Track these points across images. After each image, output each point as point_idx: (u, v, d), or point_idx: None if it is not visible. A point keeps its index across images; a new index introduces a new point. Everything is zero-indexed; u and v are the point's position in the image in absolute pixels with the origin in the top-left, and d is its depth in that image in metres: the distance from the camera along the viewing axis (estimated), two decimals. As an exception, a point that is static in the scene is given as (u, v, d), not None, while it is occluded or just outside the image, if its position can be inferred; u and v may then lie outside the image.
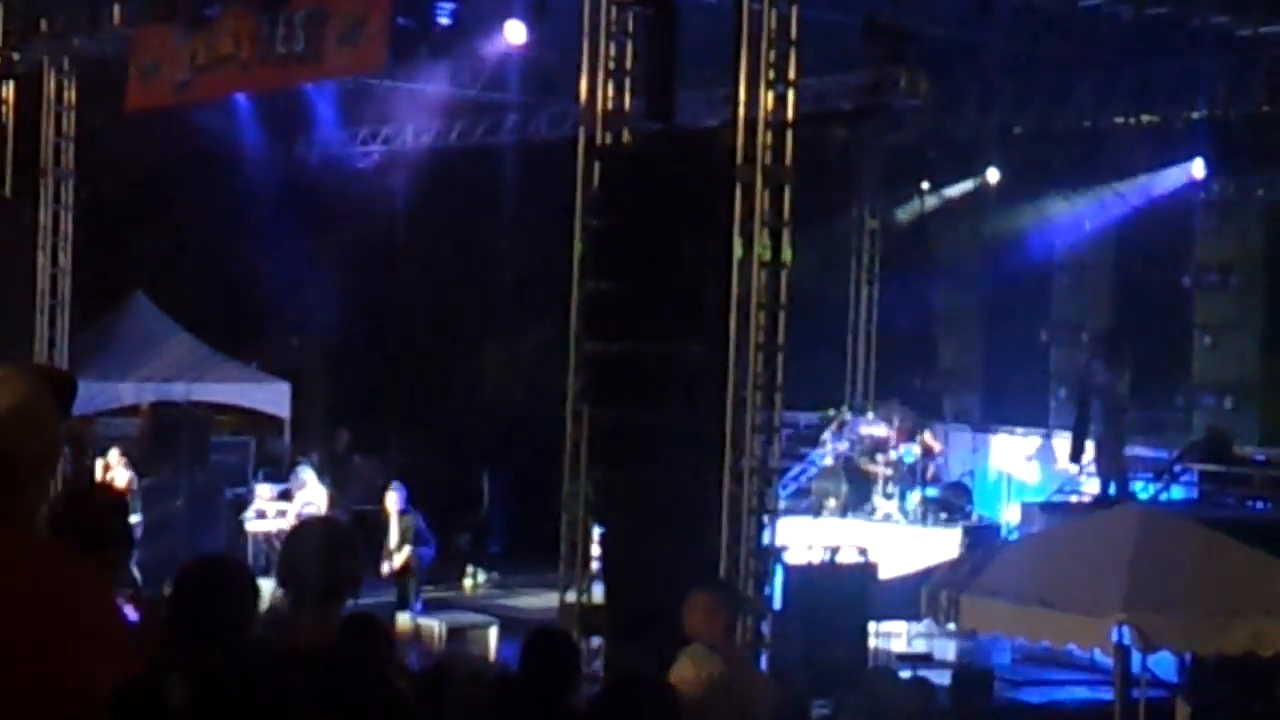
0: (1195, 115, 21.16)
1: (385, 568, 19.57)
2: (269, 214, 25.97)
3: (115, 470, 20.28)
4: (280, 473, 23.27)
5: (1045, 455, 23.10)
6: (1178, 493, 21.08)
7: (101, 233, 22.42)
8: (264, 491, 21.86)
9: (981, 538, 20.00)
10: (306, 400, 25.57)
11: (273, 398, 25.16)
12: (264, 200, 25.91)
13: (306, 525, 6.08)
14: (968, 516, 21.54)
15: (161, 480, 20.84)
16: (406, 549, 19.66)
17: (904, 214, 26.49)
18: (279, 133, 25.69)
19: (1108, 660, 13.24)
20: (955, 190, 25.57)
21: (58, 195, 21.76)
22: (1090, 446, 20.70)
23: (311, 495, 20.88)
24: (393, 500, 19.91)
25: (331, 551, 5.13)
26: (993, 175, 24.63)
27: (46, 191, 21.69)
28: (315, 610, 5.01)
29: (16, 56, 21.47)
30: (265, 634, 5.32)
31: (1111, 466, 20.26)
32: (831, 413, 24.93)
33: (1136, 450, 21.47)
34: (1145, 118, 21.69)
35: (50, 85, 21.59)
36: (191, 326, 25.36)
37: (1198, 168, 23.03)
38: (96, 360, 22.74)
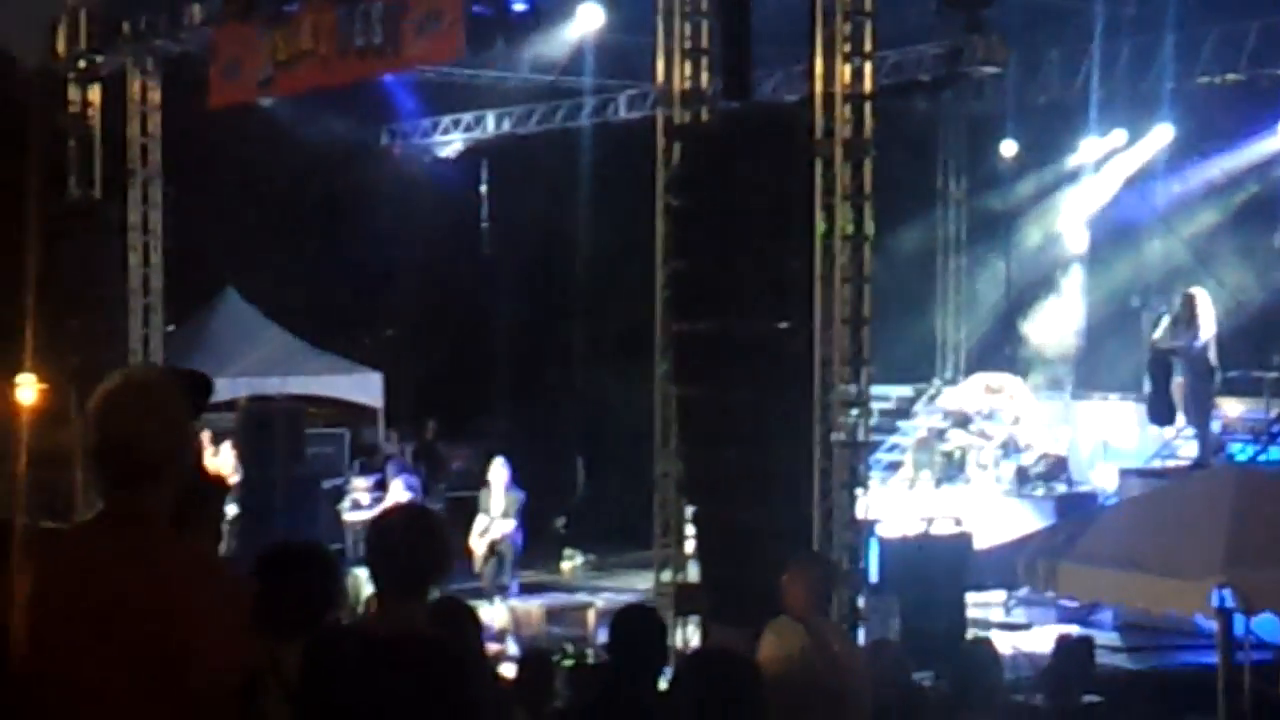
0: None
1: (480, 545, 19.47)
2: (355, 205, 26.16)
3: (223, 460, 20.53)
4: (375, 463, 23.42)
5: (1140, 421, 22.88)
6: (1276, 453, 20.83)
7: (190, 230, 22.61)
8: (359, 483, 22.02)
9: (1077, 505, 19.85)
10: (399, 390, 25.75)
11: (365, 388, 25.35)
12: (349, 192, 26.10)
13: (388, 514, 6.08)
14: (1063, 484, 21.40)
15: (258, 473, 21.01)
16: (508, 523, 19.57)
17: (989, 183, 26.28)
18: (362, 125, 25.85)
19: (1210, 624, 13.11)
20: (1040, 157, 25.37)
21: (145, 195, 21.96)
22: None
23: (400, 488, 21.00)
24: (498, 473, 19.84)
25: (415, 538, 5.15)
26: (1077, 140, 24.42)
27: (135, 191, 21.90)
28: (399, 597, 5.04)
29: (100, 60, 21.68)
30: (349, 621, 5.36)
31: (1201, 429, 20.08)
32: (922, 385, 24.85)
33: (1234, 411, 21.25)
34: (1230, 77, 21.44)
35: (135, 86, 21.80)
36: (282, 320, 25.57)
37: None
38: (190, 357, 22.93)
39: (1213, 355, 19.94)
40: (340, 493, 22.03)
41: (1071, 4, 19.66)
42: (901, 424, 24.48)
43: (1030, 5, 19.18)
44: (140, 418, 4.06)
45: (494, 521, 19.63)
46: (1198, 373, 19.98)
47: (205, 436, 20.58)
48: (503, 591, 19.23)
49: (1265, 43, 20.50)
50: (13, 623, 4.04)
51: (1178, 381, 20.29)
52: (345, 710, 4.88)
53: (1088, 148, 24.53)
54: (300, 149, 24.40)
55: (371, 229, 26.17)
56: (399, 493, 20.71)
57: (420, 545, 5.17)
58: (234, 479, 20.05)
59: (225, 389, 23.46)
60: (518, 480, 20.05)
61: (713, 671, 4.92)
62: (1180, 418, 20.68)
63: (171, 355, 21.88)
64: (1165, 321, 20.76)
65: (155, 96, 21.88)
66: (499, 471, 19.91)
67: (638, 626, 7.41)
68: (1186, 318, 20.11)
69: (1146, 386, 21.57)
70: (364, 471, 23.04)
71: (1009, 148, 25.19)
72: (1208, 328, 19.96)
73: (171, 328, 22.64)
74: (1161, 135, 23.55)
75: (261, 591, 5.13)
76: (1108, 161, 24.68)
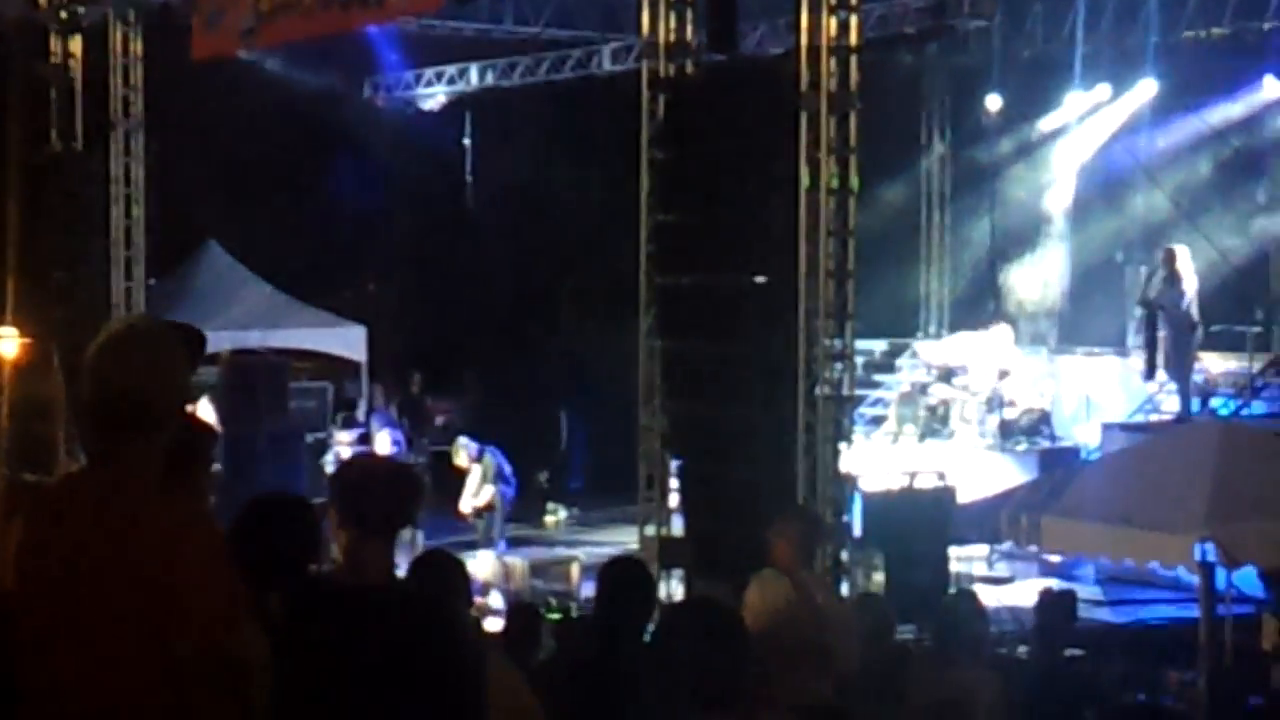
0: (1266, 27, 20.87)
1: (468, 506, 19.68)
2: (338, 158, 26.07)
3: (202, 415, 20.49)
4: (358, 417, 23.41)
5: (1123, 376, 22.92)
6: (1259, 408, 20.89)
7: (172, 183, 22.51)
8: (342, 436, 22.02)
9: (1061, 460, 19.89)
10: (382, 344, 25.71)
11: (349, 342, 25.30)
12: (332, 145, 26.01)
13: (350, 462, 6.11)
14: (1047, 439, 21.43)
15: (240, 428, 20.97)
16: (488, 489, 19.73)
17: (973, 137, 26.24)
18: (345, 77, 25.75)
19: (1192, 577, 13.16)
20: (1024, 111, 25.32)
21: (128, 147, 21.84)
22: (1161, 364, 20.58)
23: (382, 441, 21.02)
24: (463, 456, 19.95)
25: (378, 484, 5.15)
26: (1060, 95, 24.38)
27: (116, 144, 21.78)
28: (368, 537, 5.03)
29: (82, 10, 21.53)
30: (324, 570, 5.35)
31: (1183, 383, 20.16)
32: (905, 339, 24.85)
33: (1216, 366, 21.30)
34: (1215, 31, 21.40)
35: (116, 37, 21.66)
36: (265, 274, 25.50)
37: (1271, 85, 22.73)
38: (172, 310, 22.82)
39: (1194, 311, 19.99)
40: (323, 446, 22.01)
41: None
42: (885, 378, 24.49)
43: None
44: (143, 367, 4.05)
45: (476, 491, 19.74)
46: (1179, 327, 20.05)
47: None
48: (488, 545, 19.29)
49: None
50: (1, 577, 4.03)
51: (1161, 336, 20.35)
52: (329, 664, 4.88)
53: (1072, 102, 24.48)
54: (283, 101, 24.30)
55: (355, 182, 26.09)
56: (384, 445, 20.73)
57: (391, 486, 5.17)
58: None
59: (208, 343, 23.42)
60: (493, 439, 20.09)
61: (696, 621, 4.90)
62: (1161, 373, 20.74)
63: (153, 308, 21.80)
64: (1150, 276, 20.82)
65: (137, 48, 21.74)
66: (462, 455, 19.94)
67: (626, 578, 7.41)
68: (1168, 274, 20.17)
69: (1137, 339, 21.64)
70: (347, 425, 23.03)
71: (994, 102, 25.13)
72: (1190, 283, 20.02)
73: (153, 281, 22.55)
74: (1145, 90, 23.50)
75: (244, 543, 5.14)
76: (1092, 116, 24.64)
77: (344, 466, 6.11)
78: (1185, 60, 22.61)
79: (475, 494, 19.76)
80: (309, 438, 22.01)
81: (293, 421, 21.83)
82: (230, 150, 24.79)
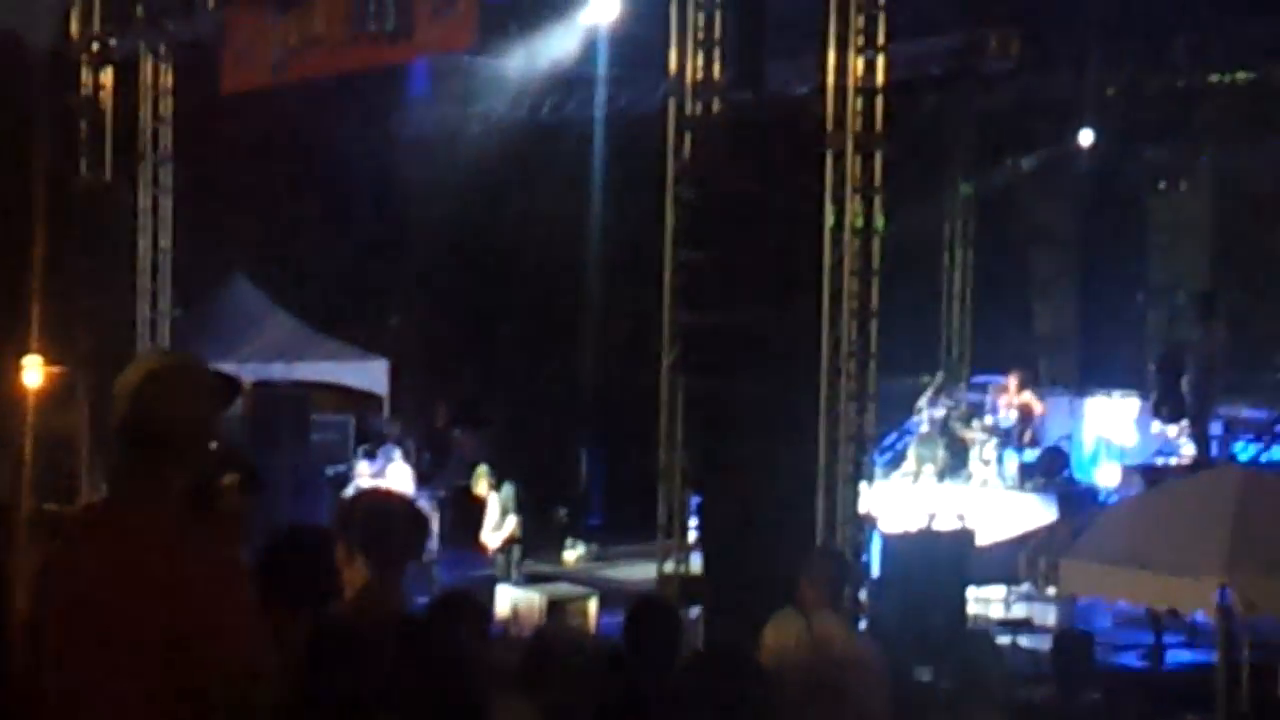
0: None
1: (491, 539, 19.74)
2: (364, 192, 26.18)
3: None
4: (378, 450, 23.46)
5: (1143, 418, 22.89)
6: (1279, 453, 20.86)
7: (200, 215, 22.63)
8: (364, 469, 22.05)
9: (1080, 502, 19.88)
10: (405, 378, 25.77)
11: (371, 376, 25.38)
12: (359, 178, 26.12)
13: (360, 496, 6.16)
14: (1066, 481, 21.42)
15: (263, 460, 21.01)
16: (511, 519, 19.79)
17: (998, 179, 26.31)
18: (373, 111, 25.85)
19: (1210, 623, 13.14)
20: (1049, 153, 25.37)
21: (156, 179, 21.98)
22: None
23: (397, 477, 21.07)
24: (483, 485, 20.02)
25: (389, 519, 5.20)
26: (1086, 137, 24.43)
27: (145, 175, 21.92)
28: (378, 576, 5.09)
29: (114, 43, 21.70)
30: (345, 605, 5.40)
31: (1203, 427, 20.13)
32: (927, 379, 24.85)
33: (1237, 411, 21.27)
34: (1241, 75, 21.42)
35: (147, 70, 21.82)
36: (290, 306, 25.59)
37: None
38: (197, 342, 22.96)
39: (1220, 355, 19.97)
40: (344, 479, 22.05)
41: (1085, 1, 19.64)
42: (905, 418, 24.48)
43: (1044, 1, 19.17)
44: (173, 397, 4.10)
45: (497, 524, 19.80)
46: (1205, 371, 20.01)
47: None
48: (506, 581, 19.31)
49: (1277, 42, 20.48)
50: (15, 607, 4.06)
51: (1184, 378, 20.33)
52: (345, 697, 4.92)
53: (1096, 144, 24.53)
54: (310, 135, 24.42)
55: (381, 216, 26.20)
56: (400, 476, 20.81)
57: (401, 520, 5.23)
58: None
59: (231, 374, 23.51)
60: (511, 473, 20.14)
61: (718, 670, 4.93)
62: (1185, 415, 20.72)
63: (179, 339, 21.91)
64: (1174, 318, 20.82)
65: (167, 80, 21.90)
66: (482, 484, 20.03)
67: (654, 619, 7.42)
68: (1199, 315, 20.12)
69: (1155, 383, 21.62)
70: (368, 458, 23.08)
71: (1018, 141, 25.17)
72: (1219, 326, 19.98)
73: (179, 312, 22.66)
74: (1173, 136, 23.53)
75: (270, 576, 5.18)
76: (1117, 158, 24.67)
77: (354, 500, 6.15)
78: (1209, 105, 22.63)
79: (497, 526, 19.80)
80: (330, 470, 22.07)
81: (314, 454, 21.89)
82: (258, 183, 24.91)
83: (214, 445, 4.48)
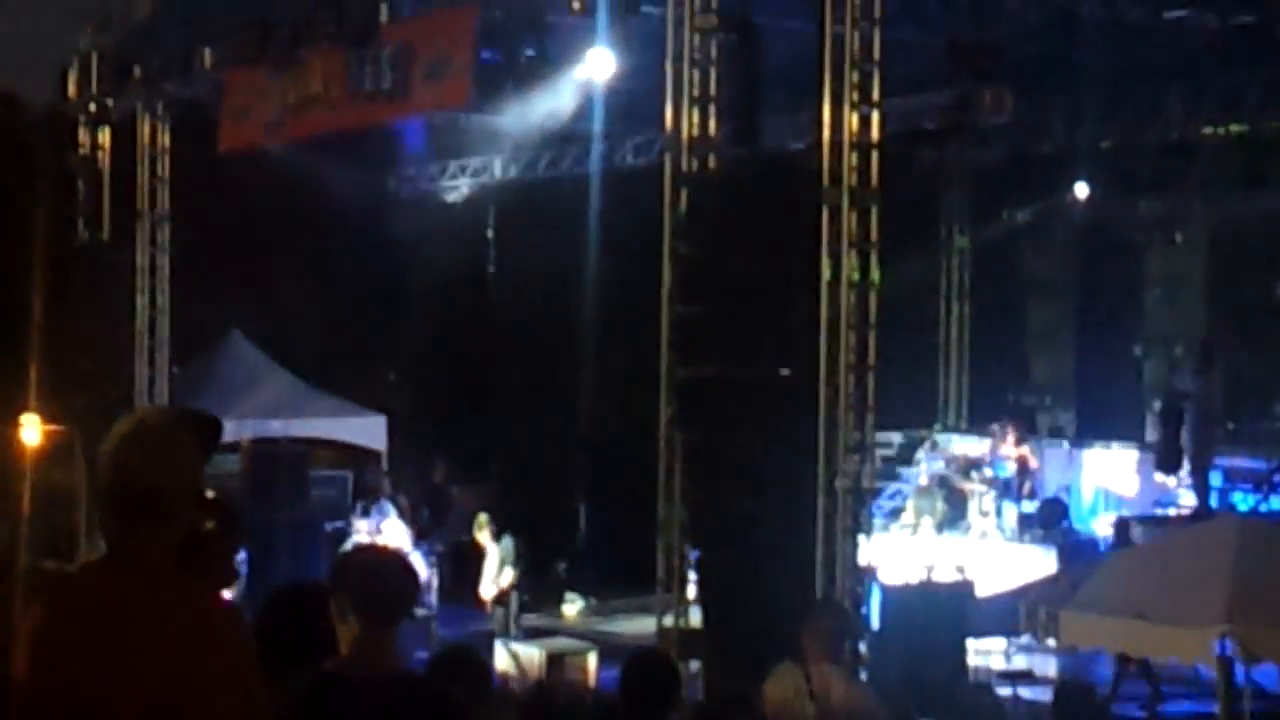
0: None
1: (489, 590, 19.74)
2: (362, 249, 26.23)
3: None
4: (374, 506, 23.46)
5: (1142, 469, 22.92)
6: (1278, 503, 20.85)
7: (198, 273, 22.70)
8: (362, 525, 22.04)
9: (1079, 553, 19.88)
10: (404, 433, 25.78)
11: (369, 431, 25.38)
12: (356, 236, 26.17)
13: (354, 552, 6.20)
14: (1065, 532, 21.42)
15: (262, 516, 21.03)
16: (510, 571, 19.81)
17: (994, 232, 26.42)
18: (369, 169, 25.94)
19: (1210, 673, 13.14)
20: (1044, 206, 25.47)
21: (154, 237, 22.08)
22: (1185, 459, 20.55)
23: (392, 532, 21.08)
24: (485, 533, 20.07)
25: (384, 574, 5.23)
26: (1081, 190, 24.53)
27: (143, 234, 22.00)
28: (373, 632, 5.11)
29: (111, 103, 21.82)
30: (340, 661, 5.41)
31: (1203, 477, 20.13)
32: (925, 432, 24.88)
33: (1236, 461, 21.28)
34: (1234, 128, 21.53)
35: (145, 129, 21.92)
36: (288, 363, 25.62)
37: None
38: (195, 399, 22.95)
39: (1219, 405, 19.97)
40: (343, 535, 22.04)
41: (1078, 56, 19.74)
42: (903, 470, 24.50)
43: (1037, 56, 19.26)
44: (155, 459, 4.09)
45: (495, 576, 19.81)
46: (1205, 421, 20.00)
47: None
48: (505, 636, 19.29)
49: (1271, 93, 20.58)
50: (14, 668, 4.05)
51: (1186, 429, 20.33)
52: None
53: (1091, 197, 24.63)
54: (307, 193, 24.47)
55: (377, 273, 26.25)
56: (395, 532, 20.83)
57: (395, 576, 5.25)
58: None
59: (230, 431, 23.33)
60: (511, 527, 20.16)
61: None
62: (1185, 465, 20.73)
63: (177, 397, 21.95)
64: (1175, 367, 20.85)
65: (165, 139, 22.00)
66: (484, 534, 20.07)
67: (650, 672, 7.43)
68: (1200, 365, 20.13)
69: (1153, 433, 21.62)
70: (366, 514, 23.07)
71: (1014, 196, 25.28)
72: (1219, 376, 19.98)
73: (177, 369, 22.68)
74: (1164, 187, 23.61)
75: (270, 633, 5.19)
76: (1108, 210, 24.76)
77: (348, 556, 6.17)
78: (1203, 157, 22.75)
79: (495, 578, 19.80)
80: (328, 526, 22.06)
81: (313, 510, 21.89)
82: (255, 241, 24.97)
83: (208, 493, 4.48)
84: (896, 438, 24.80)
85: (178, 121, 21.92)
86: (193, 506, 4.20)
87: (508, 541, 19.88)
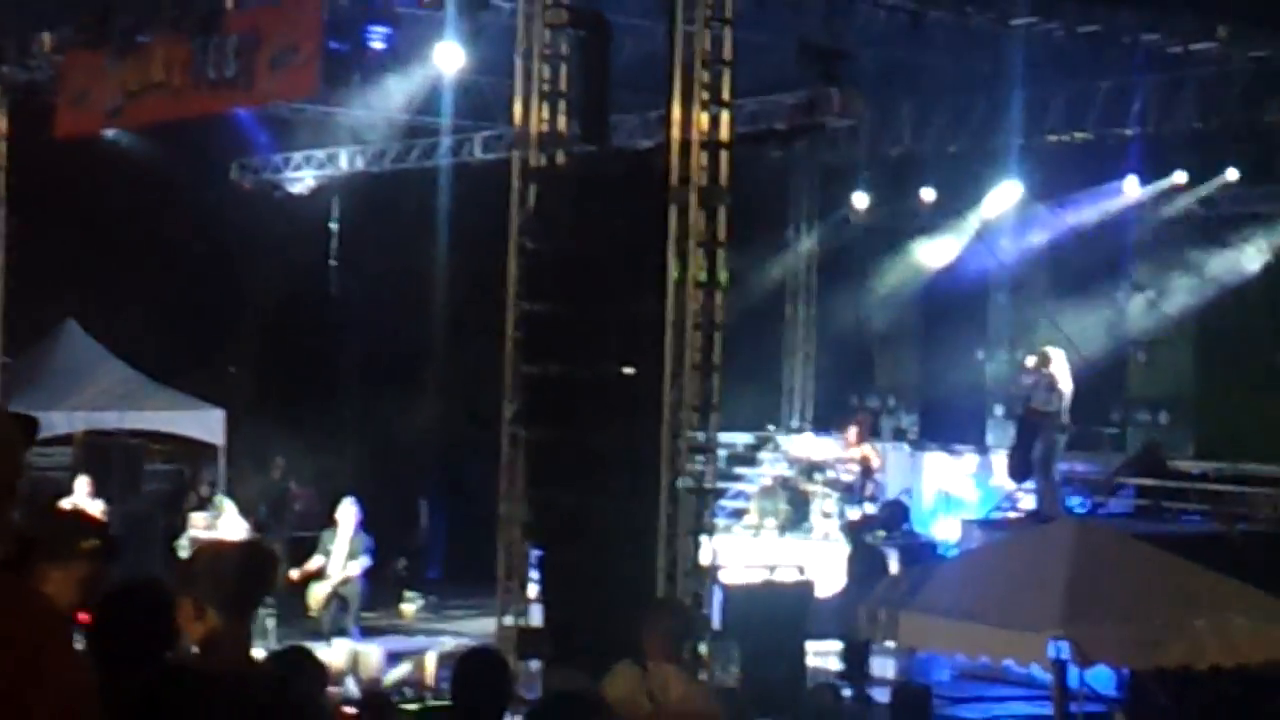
0: (1128, 133, 21.30)
1: (323, 588, 19.45)
2: (202, 240, 25.82)
3: (80, 501, 20.03)
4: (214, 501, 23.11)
5: (983, 473, 23.17)
6: (1114, 507, 21.16)
7: (32, 261, 22.20)
8: (198, 520, 21.69)
9: (919, 554, 20.02)
10: (243, 428, 25.41)
11: (207, 425, 24.94)
12: (197, 226, 25.75)
13: (204, 547, 6.09)
14: (906, 534, 21.56)
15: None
16: (354, 563, 19.53)
17: (842, 234, 26.57)
18: (212, 158, 25.55)
19: (1045, 675, 13.26)
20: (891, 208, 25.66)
21: (-13, 224, 21.59)
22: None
23: (230, 525, 20.76)
24: (346, 514, 19.72)
25: (235, 565, 5.12)
26: (928, 194, 24.73)
27: (-25, 220, 21.51)
28: (224, 625, 4.99)
29: (-55, 86, 21.30)
30: (183, 656, 5.27)
31: (1046, 482, 20.31)
32: (769, 431, 24.95)
33: (1073, 466, 21.54)
34: (1079, 135, 21.80)
35: (-20, 113, 21.43)
36: (125, 355, 25.14)
37: (1131, 185, 23.21)
38: (27, 389, 22.51)
39: (1066, 414, 20.09)
40: (177, 530, 21.69)
41: (926, 59, 19.90)
42: (746, 471, 24.57)
43: (885, 59, 19.38)
44: None
45: (342, 563, 19.52)
46: (1053, 429, 20.14)
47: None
48: (342, 634, 19.03)
49: (1112, 102, 20.89)
50: None
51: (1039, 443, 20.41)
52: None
53: (938, 201, 24.83)
54: (148, 181, 24.03)
55: (217, 264, 25.85)
56: (233, 527, 20.55)
57: (247, 565, 5.14)
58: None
59: (63, 423, 23.04)
60: (365, 523, 19.91)
61: (566, 716, 4.88)
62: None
63: (9, 387, 21.46)
64: (1018, 376, 21.01)
65: (2, 124, 21.50)
66: (348, 512, 19.74)
67: (482, 670, 7.34)
68: (1041, 376, 20.24)
69: (993, 437, 21.81)
70: (202, 508, 22.71)
71: (860, 199, 25.46)
72: (1065, 385, 20.10)
73: (9, 360, 22.18)
74: (1010, 191, 23.86)
75: (104, 632, 5.04)
76: (957, 215, 24.98)
77: (199, 552, 6.05)
78: (1049, 162, 23.02)
79: (323, 571, 19.49)
80: (163, 520, 21.72)
81: (147, 503, 21.54)
82: (91, 229, 24.48)
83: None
84: (741, 438, 24.87)
85: (15, 106, 21.42)
86: (11, 501, 4.04)
87: (361, 536, 19.62)
